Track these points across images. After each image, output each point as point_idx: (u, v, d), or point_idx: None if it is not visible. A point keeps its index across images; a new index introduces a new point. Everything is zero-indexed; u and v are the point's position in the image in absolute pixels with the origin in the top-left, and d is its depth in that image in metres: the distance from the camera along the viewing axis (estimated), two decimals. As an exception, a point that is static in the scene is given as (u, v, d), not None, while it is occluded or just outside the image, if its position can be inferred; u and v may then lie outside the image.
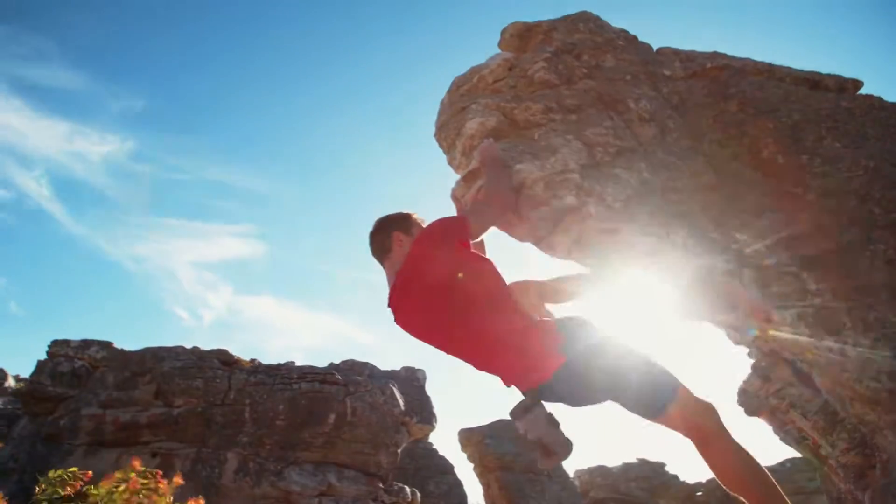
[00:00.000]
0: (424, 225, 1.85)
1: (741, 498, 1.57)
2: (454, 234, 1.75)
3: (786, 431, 3.10)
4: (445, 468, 12.71)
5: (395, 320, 1.86)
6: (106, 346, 7.33)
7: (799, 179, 2.29)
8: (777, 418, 2.86)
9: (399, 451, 7.36)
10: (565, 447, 1.62)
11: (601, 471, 17.97)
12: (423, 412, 8.15)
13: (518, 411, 1.67)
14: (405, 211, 1.91)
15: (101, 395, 6.43)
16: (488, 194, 1.96)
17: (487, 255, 2.16)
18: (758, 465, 1.57)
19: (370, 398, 6.93)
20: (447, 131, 2.60)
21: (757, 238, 2.20)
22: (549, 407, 1.70)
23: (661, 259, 2.03)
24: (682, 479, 17.34)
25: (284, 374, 7.09)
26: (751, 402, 2.93)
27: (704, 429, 1.61)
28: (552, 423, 1.64)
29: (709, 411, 1.63)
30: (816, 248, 2.13)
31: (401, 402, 7.47)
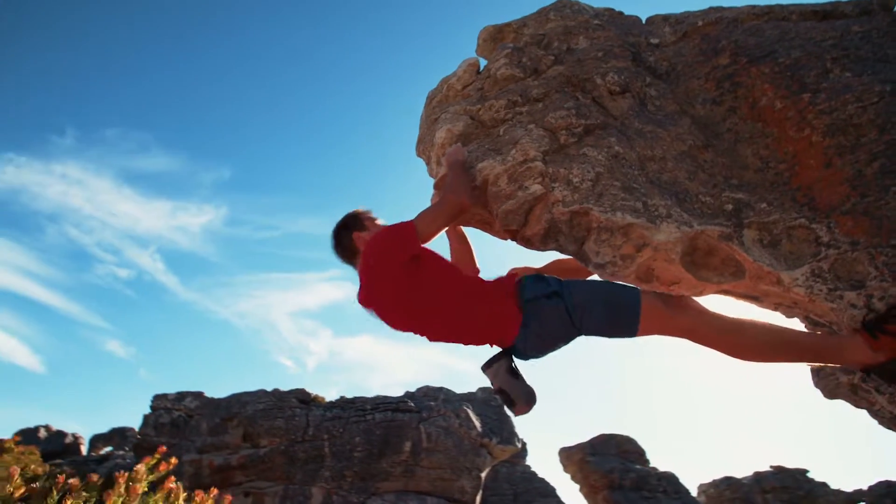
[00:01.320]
0: (371, 216, 1.97)
1: (760, 363, 1.66)
2: (398, 244, 1.80)
3: (876, 412, 2.71)
4: (547, 491, 12.22)
5: (377, 314, 1.93)
6: (198, 396, 8.08)
7: (801, 121, 2.05)
8: (861, 398, 2.50)
9: (482, 474, 7.22)
10: (525, 396, 1.73)
11: (729, 483, 16.30)
12: (503, 432, 7.96)
13: (485, 364, 1.81)
14: (351, 211, 2.02)
15: (197, 441, 7.07)
16: (440, 197, 1.97)
17: (476, 262, 2.20)
18: (756, 325, 1.66)
19: (444, 422, 6.93)
20: (424, 144, 2.66)
21: (757, 194, 1.99)
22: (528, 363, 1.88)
23: (641, 232, 1.90)
24: (832, 485, 15.13)
25: (359, 406, 7.32)
26: (826, 382, 2.58)
27: (683, 323, 1.68)
28: (513, 374, 1.77)
29: (680, 305, 1.72)
30: (830, 194, 1.89)
31: (477, 423, 7.36)
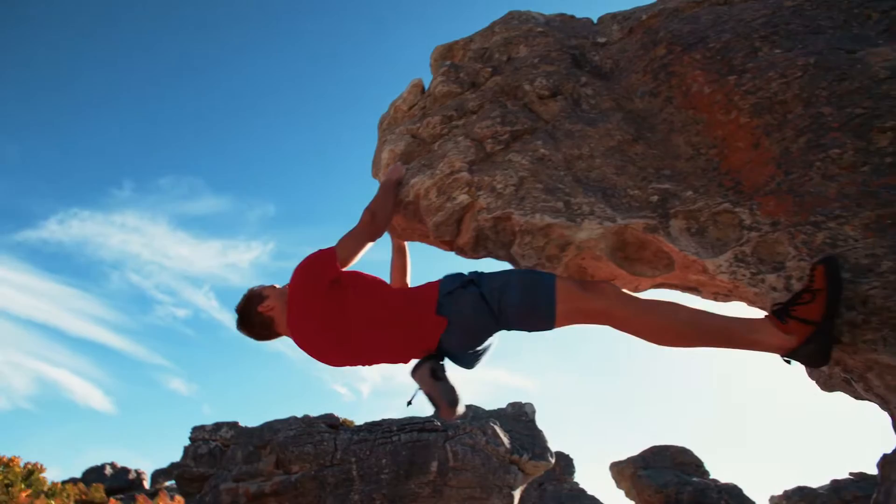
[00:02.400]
0: (265, 287, 1.98)
1: (680, 347, 1.63)
2: (318, 268, 1.86)
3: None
4: (598, 509, 11.72)
5: (306, 349, 1.97)
6: (233, 425, 8.39)
7: (728, 104, 2.00)
8: (854, 389, 2.37)
9: (515, 493, 7.05)
10: (448, 399, 1.71)
11: (803, 494, 15.13)
12: (535, 448, 7.75)
13: (412, 369, 1.79)
14: (245, 294, 2.00)
15: (233, 470, 7.31)
16: (363, 217, 2.03)
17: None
18: (673, 308, 1.61)
19: (470, 440, 6.85)
20: (376, 167, 2.76)
21: (685, 182, 1.95)
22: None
23: (561, 232, 1.90)
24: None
25: (385, 428, 7.37)
26: (818, 374, 2.45)
27: (600, 306, 1.64)
28: (436, 377, 1.74)
29: (597, 288, 1.67)
30: (757, 175, 1.83)
31: (505, 440, 7.23)
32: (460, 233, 2.15)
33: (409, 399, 1.85)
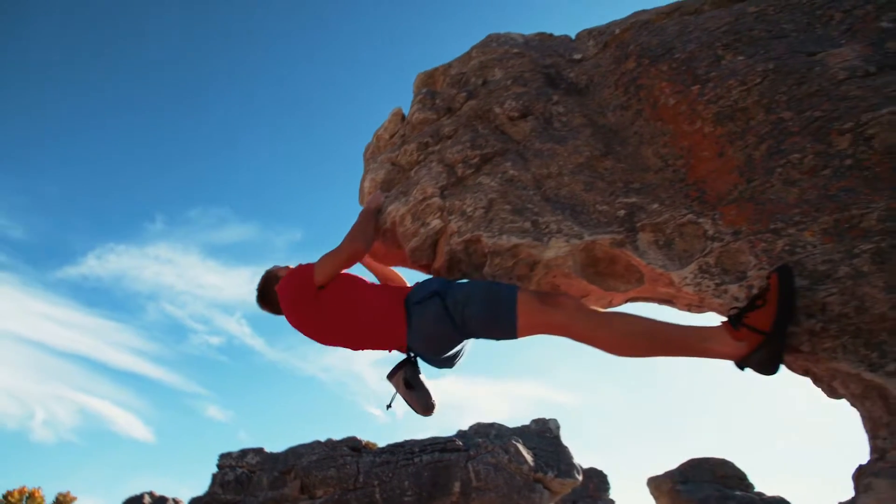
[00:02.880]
0: (281, 268, 2.18)
1: (637, 357, 1.67)
2: (296, 287, 1.99)
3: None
4: (636, 526, 11.29)
5: (304, 334, 2.15)
6: (259, 451, 8.50)
7: (693, 114, 2.01)
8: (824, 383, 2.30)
9: (542, 512, 6.90)
10: (422, 405, 1.86)
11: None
12: (560, 465, 7.58)
13: (389, 374, 1.94)
14: (264, 273, 2.23)
15: (259, 496, 7.40)
16: (342, 244, 2.12)
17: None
18: (627, 319, 1.64)
19: (493, 458, 6.76)
20: (361, 195, 2.84)
21: (652, 195, 1.95)
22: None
23: (528, 252, 1.93)
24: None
25: (407, 450, 7.35)
26: (821, 382, 2.38)
27: (559, 319, 1.66)
28: (409, 385, 1.86)
29: (556, 302, 1.69)
30: (721, 184, 1.82)
31: (528, 457, 7.10)
32: (436, 256, 2.20)
33: (388, 402, 1.96)
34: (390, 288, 2.11)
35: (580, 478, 7.89)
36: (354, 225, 2.20)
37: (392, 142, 2.79)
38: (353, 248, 2.06)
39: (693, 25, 2.36)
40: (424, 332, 1.82)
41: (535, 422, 8.67)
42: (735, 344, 1.42)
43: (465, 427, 8.16)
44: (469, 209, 2.09)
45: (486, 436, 7.67)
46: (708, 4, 2.60)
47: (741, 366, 1.45)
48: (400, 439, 8.18)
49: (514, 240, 1.93)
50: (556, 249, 1.91)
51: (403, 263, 2.43)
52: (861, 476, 1.38)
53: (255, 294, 2.26)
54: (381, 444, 8.39)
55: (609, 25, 2.97)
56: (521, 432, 8.14)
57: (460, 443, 7.25)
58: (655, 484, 13.71)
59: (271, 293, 2.21)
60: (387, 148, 2.80)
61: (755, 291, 1.53)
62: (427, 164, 2.36)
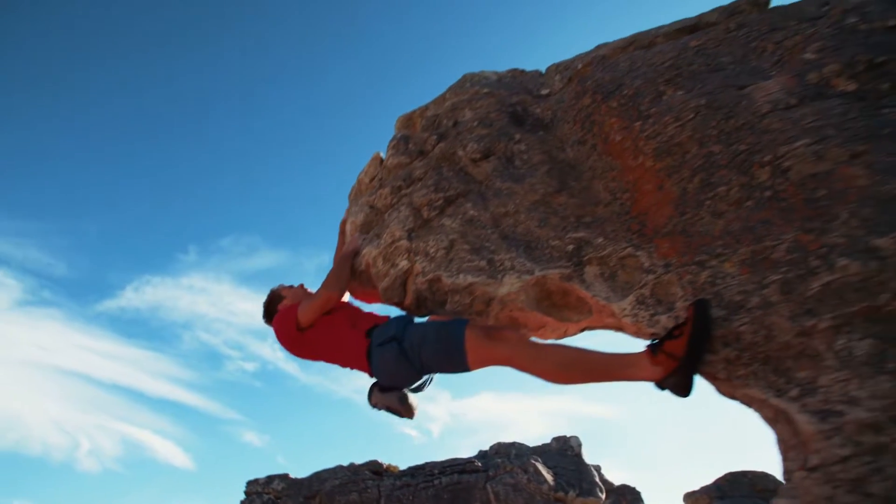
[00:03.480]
0: (284, 289, 2.52)
1: (574, 384, 1.80)
2: (282, 330, 2.21)
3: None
4: (674, 545, 10.95)
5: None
6: (284, 477, 8.72)
7: (636, 149, 2.13)
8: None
9: (565, 532, 6.81)
10: (399, 401, 2.07)
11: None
12: (582, 484, 7.49)
13: (367, 397, 2.19)
14: (269, 293, 2.57)
15: (285, 522, 7.61)
16: (319, 291, 2.31)
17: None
18: (557, 350, 1.78)
19: (511, 479, 6.75)
20: (341, 236, 3.03)
21: (599, 229, 2.07)
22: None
23: (483, 289, 2.07)
24: None
25: (427, 472, 7.42)
26: None
27: (502, 353, 1.82)
28: (382, 388, 2.11)
29: (498, 336, 1.86)
30: (658, 217, 1.93)
31: (548, 477, 7.05)
32: (406, 295, 2.35)
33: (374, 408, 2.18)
34: (362, 321, 2.27)
35: (603, 496, 7.76)
36: (331, 271, 2.39)
37: (371, 185, 2.98)
38: (328, 295, 2.26)
39: (642, 61, 2.48)
40: (386, 371, 2.00)
41: (556, 440, 8.59)
42: (653, 368, 1.54)
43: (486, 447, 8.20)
44: (432, 250, 2.24)
45: (506, 456, 7.66)
46: (661, 37, 2.72)
47: (660, 387, 1.56)
48: (442, 456, 8.28)
49: (470, 278, 2.07)
50: (508, 286, 2.04)
51: (379, 301, 2.59)
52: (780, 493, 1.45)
53: (262, 312, 2.50)
54: (408, 465, 8.49)
55: (574, 60, 3.12)
56: (542, 451, 8.09)
57: (479, 464, 7.28)
58: (692, 500, 13.30)
59: (273, 311, 2.44)
60: (367, 191, 2.99)
61: (679, 321, 1.63)
62: (398, 208, 2.53)
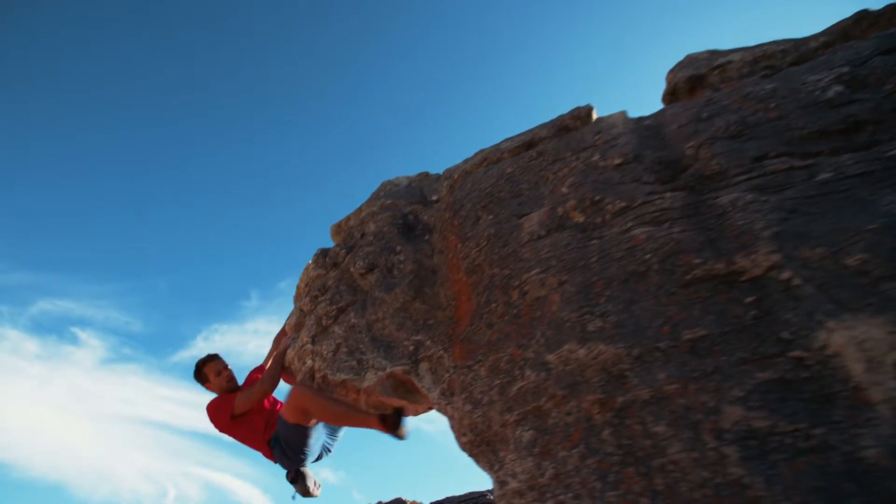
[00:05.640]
0: (212, 370, 3.17)
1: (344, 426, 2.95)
2: (214, 417, 3.01)
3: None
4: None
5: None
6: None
7: (457, 266, 2.81)
8: None
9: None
10: (301, 487, 2.92)
11: None
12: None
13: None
14: (201, 363, 3.26)
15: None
16: (255, 386, 3.12)
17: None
18: (322, 403, 2.78)
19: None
20: (281, 331, 3.84)
21: (432, 332, 2.76)
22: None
23: (353, 384, 2.80)
24: None
25: (447, 506, 8.00)
26: None
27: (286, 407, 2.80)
28: (294, 479, 2.99)
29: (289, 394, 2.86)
30: (463, 325, 2.60)
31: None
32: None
33: (292, 495, 2.93)
34: (273, 421, 3.07)
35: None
36: (266, 371, 3.21)
37: (305, 290, 3.80)
38: (263, 391, 3.08)
39: (477, 183, 3.16)
40: (280, 462, 2.79)
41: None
42: (380, 425, 2.40)
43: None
44: (324, 352, 3.01)
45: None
46: (507, 153, 3.38)
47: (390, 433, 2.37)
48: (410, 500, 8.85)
49: (343, 376, 2.82)
50: (368, 381, 2.76)
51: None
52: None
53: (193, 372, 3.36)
54: (427, 500, 9.09)
55: (455, 168, 3.81)
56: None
57: (491, 497, 7.79)
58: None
59: (201, 378, 3.27)
60: (301, 295, 3.81)
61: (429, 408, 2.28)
62: (312, 314, 3.32)
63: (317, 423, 2.99)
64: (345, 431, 3.27)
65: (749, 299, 1.76)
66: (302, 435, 2.85)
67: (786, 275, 1.74)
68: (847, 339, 1.53)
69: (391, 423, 2.67)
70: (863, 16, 2.87)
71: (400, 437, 2.68)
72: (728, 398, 1.59)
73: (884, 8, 2.83)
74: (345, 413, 2.75)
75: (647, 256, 2.02)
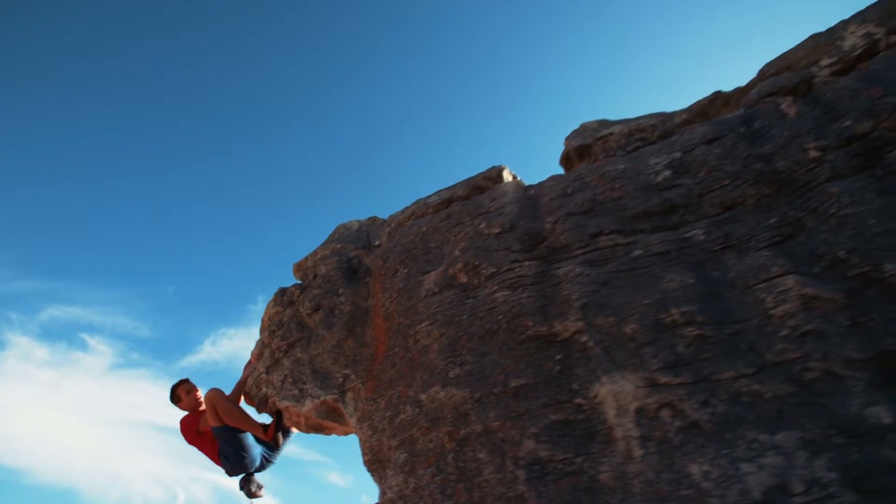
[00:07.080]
0: (185, 391, 3.82)
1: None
2: (184, 432, 3.68)
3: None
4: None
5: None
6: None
7: (377, 311, 3.42)
8: None
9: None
10: (246, 491, 3.38)
11: None
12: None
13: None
14: (176, 385, 3.89)
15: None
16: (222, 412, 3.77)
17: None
18: (228, 409, 3.53)
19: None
20: (250, 358, 4.49)
21: (357, 366, 3.37)
22: None
23: (294, 409, 3.43)
24: None
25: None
26: None
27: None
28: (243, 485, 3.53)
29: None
30: (377, 364, 3.20)
31: None
32: (269, 408, 3.75)
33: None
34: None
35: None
36: (231, 392, 3.86)
37: (266, 324, 4.43)
38: (228, 413, 3.72)
39: (402, 236, 3.75)
40: (230, 470, 3.45)
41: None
42: (262, 433, 3.13)
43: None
44: (276, 381, 3.64)
45: None
46: (431, 208, 3.97)
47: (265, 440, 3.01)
48: None
49: (286, 402, 3.44)
50: (307, 406, 3.38)
51: (261, 408, 4.00)
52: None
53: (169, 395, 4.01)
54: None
55: (394, 216, 4.39)
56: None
57: None
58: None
59: (177, 399, 3.92)
60: (263, 329, 4.44)
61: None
62: (269, 347, 3.96)
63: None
64: (284, 451, 3.88)
65: (558, 356, 2.34)
66: (231, 437, 3.49)
67: (584, 338, 2.32)
68: (608, 391, 2.11)
69: (270, 433, 3.53)
70: (717, 96, 3.41)
71: (275, 444, 3.61)
72: (527, 433, 2.18)
73: (733, 90, 3.37)
74: (239, 418, 3.55)
75: (500, 317, 2.61)
